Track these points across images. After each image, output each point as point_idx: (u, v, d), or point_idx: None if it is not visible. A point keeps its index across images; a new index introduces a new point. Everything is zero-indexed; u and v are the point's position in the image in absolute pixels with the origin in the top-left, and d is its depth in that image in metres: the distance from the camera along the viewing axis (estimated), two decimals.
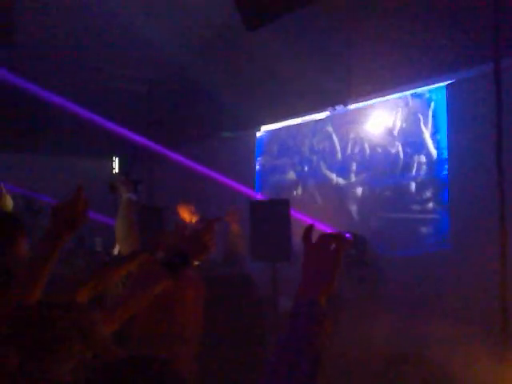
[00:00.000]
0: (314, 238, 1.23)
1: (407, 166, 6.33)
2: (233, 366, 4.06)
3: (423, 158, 6.19)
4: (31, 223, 8.25)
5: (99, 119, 6.77)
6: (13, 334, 1.05)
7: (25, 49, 6.20)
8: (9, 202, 2.86)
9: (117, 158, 4.57)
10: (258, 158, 8.52)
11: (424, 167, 6.17)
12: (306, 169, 7.73)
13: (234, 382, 3.80)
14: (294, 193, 7.77)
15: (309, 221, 6.81)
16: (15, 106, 6.96)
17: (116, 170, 5.07)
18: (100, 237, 7.18)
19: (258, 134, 8.54)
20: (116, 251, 4.20)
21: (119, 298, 1.72)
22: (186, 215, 6.45)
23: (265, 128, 8.41)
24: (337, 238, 1.22)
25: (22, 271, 1.54)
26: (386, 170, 6.58)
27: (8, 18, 5.57)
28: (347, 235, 4.26)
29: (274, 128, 8.28)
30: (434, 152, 6.10)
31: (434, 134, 6.11)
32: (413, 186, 6.26)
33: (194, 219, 6.43)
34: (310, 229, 1.26)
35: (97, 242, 7.32)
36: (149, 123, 7.63)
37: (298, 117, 7.67)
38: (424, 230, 6.12)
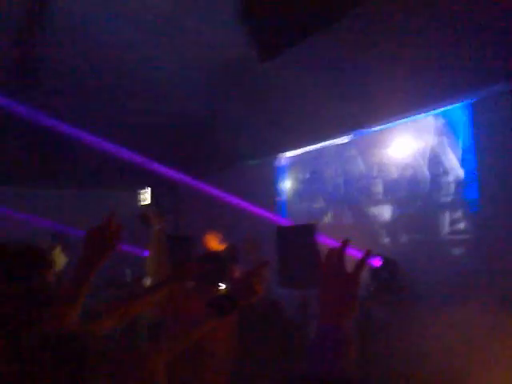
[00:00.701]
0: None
1: (435, 188, 6.25)
2: None
3: (451, 178, 6.10)
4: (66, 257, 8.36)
5: (126, 152, 6.89)
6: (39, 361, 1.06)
7: (50, 87, 6.40)
8: (62, 259, 2.93)
9: (148, 189, 4.64)
10: (284, 184, 8.52)
11: (452, 188, 6.08)
12: (332, 192, 7.68)
13: None
14: (322, 217, 7.72)
15: (337, 245, 6.74)
16: (43, 144, 7.13)
17: (148, 201, 5.15)
18: (130, 269, 7.23)
19: (280, 161, 8.56)
20: (148, 283, 4.22)
21: (167, 336, 1.75)
22: (214, 244, 6.49)
23: (286, 154, 8.43)
24: (341, 251, 1.19)
25: (57, 298, 1.55)
26: (413, 193, 6.50)
27: (32, 56, 5.76)
28: (377, 259, 4.19)
29: (296, 154, 8.29)
30: (461, 172, 6.01)
31: (460, 154, 6.03)
32: (442, 206, 6.16)
33: (222, 247, 6.46)
34: (318, 253, 1.26)
35: (127, 274, 7.37)
36: (173, 155, 7.73)
37: (317, 143, 7.68)
38: (456, 251, 5.99)
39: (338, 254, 1.18)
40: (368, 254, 1.20)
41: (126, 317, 1.79)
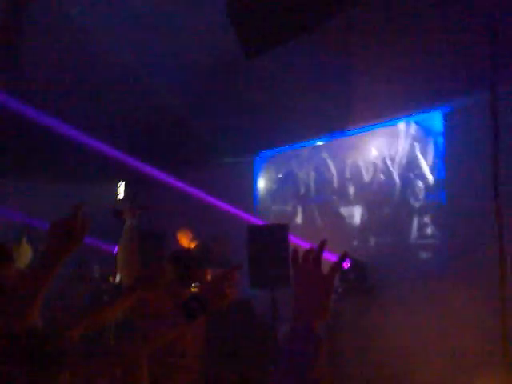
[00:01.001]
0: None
1: (405, 192, 6.37)
2: None
3: (421, 184, 6.23)
4: (34, 250, 8.24)
5: (102, 146, 6.81)
6: None
7: (29, 76, 6.30)
8: (27, 252, 2.86)
9: (123, 183, 4.56)
10: (257, 184, 8.56)
11: (422, 193, 6.21)
12: (304, 194, 7.75)
13: None
14: (294, 218, 7.78)
15: (307, 246, 6.81)
16: (18, 134, 7.01)
17: (121, 196, 5.08)
18: (98, 264, 7.15)
19: (257, 160, 8.59)
20: (117, 279, 4.19)
21: (137, 336, 1.72)
22: (185, 241, 6.48)
23: (263, 154, 8.46)
24: (318, 257, 1.20)
25: (18, 288, 1.50)
26: (384, 196, 6.61)
27: (13, 43, 5.67)
28: (346, 261, 4.24)
29: (272, 153, 8.33)
30: (431, 178, 6.15)
31: (431, 161, 6.16)
32: (411, 211, 6.29)
33: (193, 245, 6.45)
34: (296, 252, 1.26)
35: (95, 269, 7.29)
36: (150, 149, 7.68)
37: (296, 142, 7.71)
38: (423, 254, 6.13)
39: (315, 255, 1.19)
40: (344, 257, 1.22)
41: (93, 326, 1.76)
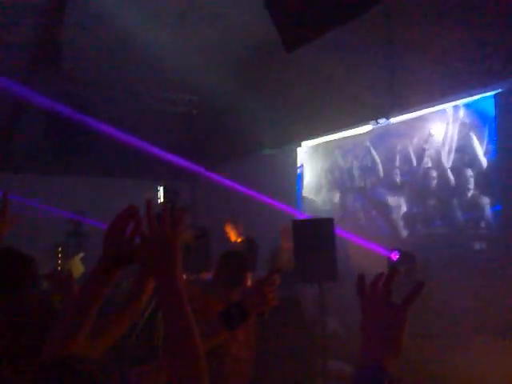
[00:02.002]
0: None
1: (456, 180, 6.10)
2: None
3: (473, 171, 5.95)
4: (79, 246, 8.44)
5: (143, 142, 6.85)
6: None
7: (70, 74, 6.37)
8: (79, 268, 2.85)
9: (161, 188, 4.50)
10: (300, 175, 8.42)
11: (474, 180, 5.93)
12: (349, 185, 7.57)
13: None
14: (338, 209, 7.62)
15: (354, 239, 6.66)
16: (61, 131, 7.13)
17: (161, 200, 5.04)
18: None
19: (300, 150, 8.43)
20: None
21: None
22: (233, 235, 6.43)
23: (306, 143, 8.30)
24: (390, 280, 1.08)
25: (65, 312, 1.45)
26: (433, 184, 6.36)
27: (55, 47, 5.73)
28: (395, 253, 4.06)
29: (315, 143, 8.16)
30: (484, 163, 5.85)
31: (483, 146, 5.87)
32: (463, 199, 6.01)
33: (240, 239, 6.40)
34: (362, 279, 1.13)
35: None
36: (191, 143, 7.67)
37: (339, 131, 7.52)
38: (477, 245, 5.85)
39: (385, 282, 1.06)
40: (420, 286, 1.08)
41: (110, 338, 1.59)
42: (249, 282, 2.82)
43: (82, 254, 2.64)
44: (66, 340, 1.29)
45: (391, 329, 1.02)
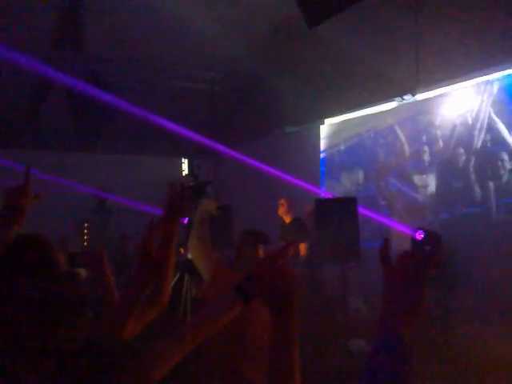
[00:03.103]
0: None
1: (484, 158, 5.95)
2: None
3: (503, 147, 5.78)
4: (103, 221, 8.57)
5: (165, 120, 6.86)
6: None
7: (95, 57, 6.40)
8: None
9: (186, 160, 4.56)
10: (323, 153, 8.33)
11: (503, 158, 5.77)
12: (373, 163, 7.46)
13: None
14: (361, 188, 7.55)
15: (378, 218, 6.61)
16: (85, 109, 7.19)
17: (185, 172, 5.09)
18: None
19: (323, 128, 8.34)
20: (189, 255, 4.24)
21: (189, 323, 1.65)
22: (282, 211, 6.33)
23: (329, 121, 8.20)
24: (420, 256, 1.07)
25: (111, 312, 1.57)
26: (461, 164, 6.22)
27: (75, 25, 5.75)
28: (419, 232, 3.99)
29: (338, 121, 8.05)
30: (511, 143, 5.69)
31: (510, 123, 5.70)
32: (495, 180, 5.84)
33: (288, 219, 6.29)
34: (386, 246, 1.11)
35: None
36: (213, 121, 7.66)
37: (363, 108, 7.39)
38: (505, 226, 5.71)
39: (411, 256, 1.06)
40: (437, 256, 1.07)
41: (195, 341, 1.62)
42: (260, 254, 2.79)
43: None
44: (116, 329, 1.39)
45: (411, 299, 1.01)
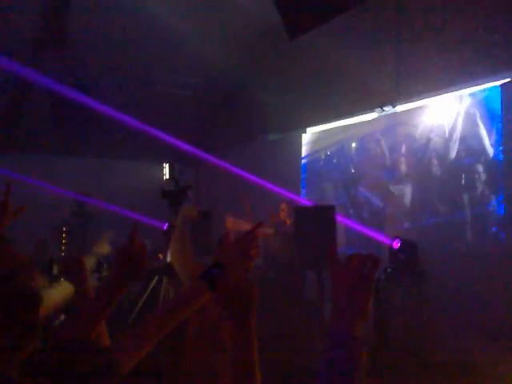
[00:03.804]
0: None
1: (460, 168, 6.08)
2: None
3: (477, 159, 5.92)
4: (84, 226, 8.51)
5: (148, 125, 6.87)
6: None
7: (78, 60, 6.39)
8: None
9: (167, 165, 4.57)
10: (304, 161, 8.41)
11: (479, 168, 5.91)
12: (353, 171, 7.56)
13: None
14: (341, 195, 7.63)
15: (355, 226, 6.69)
16: (68, 112, 7.16)
17: (167, 177, 5.11)
18: (149, 239, 7.28)
19: (305, 136, 8.42)
20: (168, 259, 4.24)
21: (155, 314, 1.64)
22: (283, 215, 6.35)
23: (311, 130, 8.29)
24: (366, 258, 1.12)
25: (81, 312, 1.55)
26: (438, 175, 6.35)
27: (60, 30, 5.75)
28: (396, 240, 4.05)
29: (319, 130, 8.15)
30: (489, 152, 5.83)
31: (488, 136, 5.84)
32: (467, 187, 5.99)
33: (289, 221, 6.30)
34: (334, 249, 1.17)
35: (147, 244, 7.42)
36: (195, 127, 7.68)
37: (345, 118, 7.50)
38: (480, 235, 5.85)
39: (361, 257, 1.11)
40: (376, 261, 1.12)
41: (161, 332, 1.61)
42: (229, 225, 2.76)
43: (110, 233, 2.59)
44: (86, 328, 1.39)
45: (359, 297, 1.06)
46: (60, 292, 2.01)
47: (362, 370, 1.02)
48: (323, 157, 8.10)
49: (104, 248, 2.59)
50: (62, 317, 1.75)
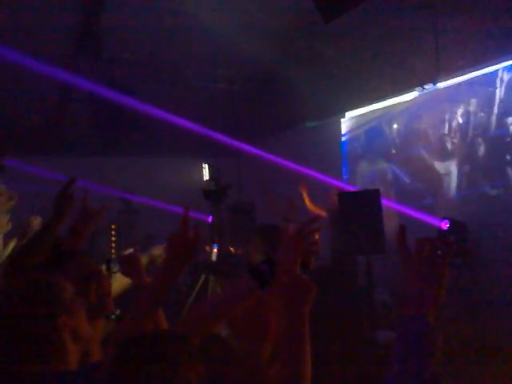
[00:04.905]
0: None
1: (507, 145, 5.88)
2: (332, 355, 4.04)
3: None
4: (130, 223, 8.70)
5: (186, 121, 6.92)
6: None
7: (112, 57, 6.48)
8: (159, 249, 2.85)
9: (206, 165, 4.58)
10: (345, 146, 8.31)
11: None
12: (396, 153, 7.42)
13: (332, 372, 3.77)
14: (384, 178, 7.51)
15: (401, 209, 6.56)
16: (107, 113, 7.29)
17: (206, 177, 5.10)
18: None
19: (344, 121, 8.31)
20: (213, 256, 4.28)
21: (206, 308, 1.64)
22: (308, 203, 6.21)
23: (350, 114, 8.16)
24: (438, 243, 1.10)
25: (136, 303, 1.58)
26: (483, 150, 6.16)
27: (95, 29, 5.84)
28: (445, 221, 3.97)
29: (360, 113, 8.01)
30: None
31: None
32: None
33: (324, 213, 6.18)
34: (403, 232, 1.13)
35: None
36: (233, 119, 7.69)
37: (384, 99, 7.34)
38: None
39: (431, 242, 1.09)
40: (450, 246, 1.09)
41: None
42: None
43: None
44: (142, 322, 1.42)
45: (432, 281, 1.04)
46: (118, 285, 2.10)
47: (438, 357, 1.00)
48: (363, 140, 7.97)
49: (158, 249, 2.64)
50: (118, 311, 1.80)
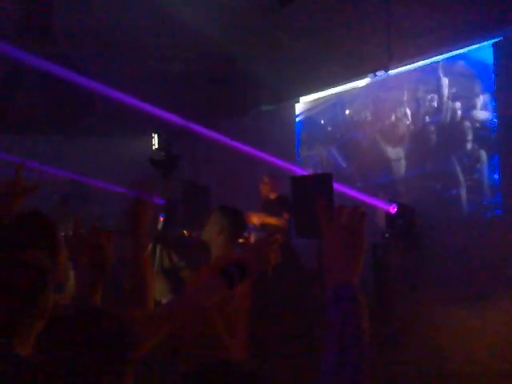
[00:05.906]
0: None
1: (455, 132, 6.10)
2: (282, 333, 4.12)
3: (471, 122, 5.94)
4: (80, 207, 8.53)
5: (140, 101, 6.80)
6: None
7: (64, 37, 6.29)
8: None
9: (156, 135, 4.48)
10: (298, 130, 8.40)
11: (473, 132, 5.92)
12: (348, 139, 7.57)
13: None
14: (336, 162, 7.66)
15: (351, 193, 6.71)
16: (57, 92, 7.08)
17: (156, 146, 4.96)
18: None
19: (298, 105, 8.39)
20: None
21: (173, 304, 1.70)
22: (265, 190, 6.07)
23: (304, 99, 8.25)
24: (353, 211, 1.15)
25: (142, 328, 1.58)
26: (432, 136, 6.36)
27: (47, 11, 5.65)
28: (393, 206, 4.10)
29: (314, 98, 8.11)
30: (482, 115, 5.84)
31: (481, 96, 5.84)
32: (462, 151, 6.02)
33: (273, 196, 6.03)
34: (326, 207, 1.19)
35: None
36: (189, 102, 7.62)
37: (338, 85, 7.47)
38: (474, 196, 5.91)
39: (349, 212, 1.13)
40: (363, 214, 1.15)
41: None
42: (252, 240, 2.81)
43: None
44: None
45: (354, 249, 1.08)
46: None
47: (367, 317, 1.04)
48: (316, 125, 8.09)
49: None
50: None
